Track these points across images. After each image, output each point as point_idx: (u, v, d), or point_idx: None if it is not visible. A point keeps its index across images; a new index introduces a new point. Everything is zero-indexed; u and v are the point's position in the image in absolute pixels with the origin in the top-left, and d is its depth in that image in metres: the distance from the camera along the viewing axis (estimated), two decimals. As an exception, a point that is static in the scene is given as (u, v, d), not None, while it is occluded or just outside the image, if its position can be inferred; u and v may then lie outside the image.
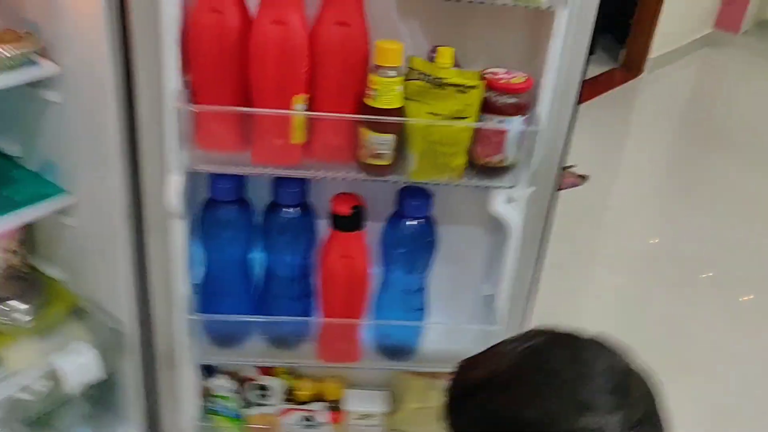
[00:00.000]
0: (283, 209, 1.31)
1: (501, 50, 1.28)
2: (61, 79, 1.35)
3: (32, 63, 1.31)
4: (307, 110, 1.20)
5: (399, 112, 1.17)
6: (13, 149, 1.56)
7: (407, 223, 1.32)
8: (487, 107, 1.20)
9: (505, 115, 1.19)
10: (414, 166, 1.22)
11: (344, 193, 1.31)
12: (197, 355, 1.46)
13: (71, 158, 1.44)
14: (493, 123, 1.20)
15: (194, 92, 1.20)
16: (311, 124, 1.21)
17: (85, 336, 1.50)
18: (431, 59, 1.20)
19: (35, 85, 1.37)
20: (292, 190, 1.30)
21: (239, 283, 1.40)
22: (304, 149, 1.24)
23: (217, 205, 1.30)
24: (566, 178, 2.89)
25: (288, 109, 1.18)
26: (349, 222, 1.29)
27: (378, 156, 1.20)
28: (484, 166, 1.24)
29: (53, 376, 1.43)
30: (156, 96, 1.21)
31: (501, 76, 1.20)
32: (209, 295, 1.40)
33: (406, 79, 1.18)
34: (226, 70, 1.18)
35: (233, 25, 1.15)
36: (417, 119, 1.18)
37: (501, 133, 1.20)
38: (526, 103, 1.21)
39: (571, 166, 3.23)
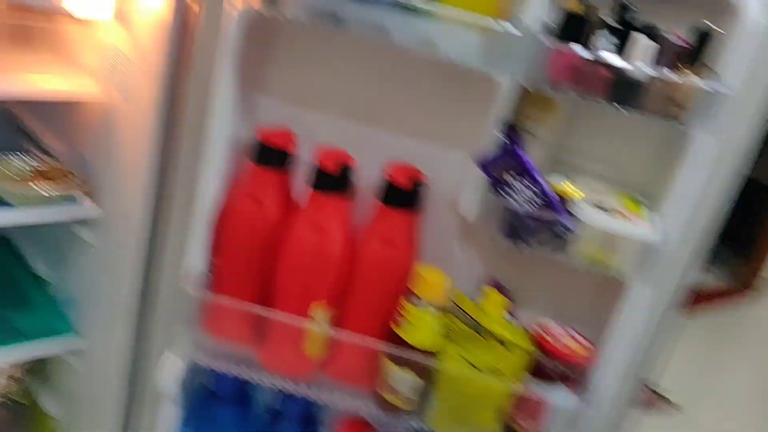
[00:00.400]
0: (286, 422, 1.15)
1: (566, 301, 1.10)
2: (99, 223, 1.29)
3: (73, 201, 1.25)
4: (330, 324, 1.05)
5: (429, 350, 1.01)
6: (46, 273, 1.50)
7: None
8: (534, 368, 1.01)
9: (551, 382, 1.00)
10: (436, 414, 1.04)
11: (353, 418, 1.13)
12: None
13: (90, 301, 1.36)
14: (534, 388, 1.01)
15: (216, 275, 1.09)
16: (331, 340, 1.06)
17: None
18: (481, 295, 1.05)
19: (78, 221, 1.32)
20: (298, 403, 1.14)
21: None
22: (319, 363, 1.08)
23: (215, 398, 1.16)
24: (646, 396, 2.55)
25: (308, 317, 1.04)
26: None
27: (396, 393, 1.03)
28: (518, 434, 1.04)
29: None
30: (178, 268, 1.11)
31: (556, 334, 1.02)
32: None
33: (446, 314, 1.02)
34: (252, 261, 1.07)
35: (270, 218, 1.04)
36: (447, 364, 1.01)
37: (542, 403, 1.01)
38: (580, 374, 1.02)
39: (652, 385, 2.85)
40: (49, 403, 1.51)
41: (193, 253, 1.08)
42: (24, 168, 1.24)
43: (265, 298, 1.08)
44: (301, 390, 1.08)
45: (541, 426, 1.02)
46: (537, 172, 0.91)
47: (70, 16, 1.09)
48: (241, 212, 1.05)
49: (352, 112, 1.06)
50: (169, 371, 1.13)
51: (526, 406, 1.02)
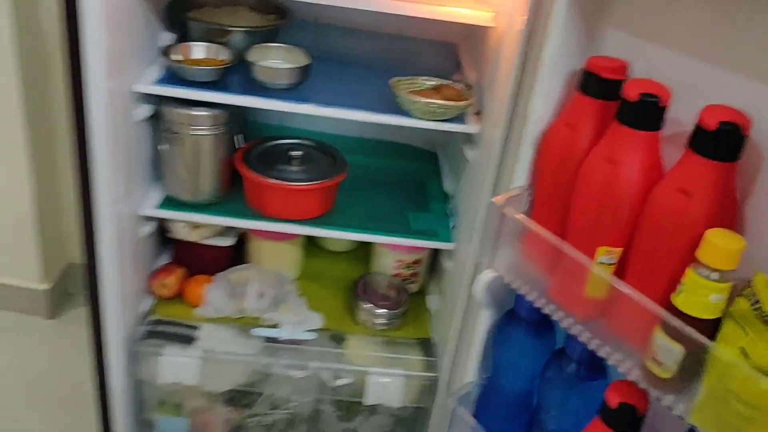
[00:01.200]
0: (566, 359, 1.13)
1: None
2: (478, 141, 1.44)
3: (461, 119, 1.43)
4: (611, 269, 0.99)
5: (703, 325, 0.86)
6: (449, 187, 1.73)
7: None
8: None
9: None
10: (697, 405, 0.88)
11: (624, 382, 1.03)
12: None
13: (463, 211, 1.53)
14: None
15: (532, 199, 1.13)
16: (610, 286, 1.00)
17: (406, 365, 1.60)
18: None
19: (465, 139, 1.50)
20: (581, 345, 1.10)
21: (511, 409, 1.27)
22: (600, 308, 1.03)
23: (515, 318, 1.20)
24: None
25: (591, 256, 1.00)
26: (616, 418, 1.02)
27: (658, 365, 0.91)
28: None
29: (361, 380, 1.58)
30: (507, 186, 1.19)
31: None
32: (483, 405, 1.32)
33: (738, 294, 0.86)
34: (559, 189, 1.06)
35: (580, 147, 1.02)
36: (721, 348, 0.85)
37: None
38: None
39: None
40: (429, 298, 1.77)
41: (518, 175, 1.14)
42: (429, 86, 1.45)
43: (564, 228, 1.07)
44: (576, 330, 1.05)
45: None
46: None
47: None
48: (555, 138, 1.05)
49: (692, 49, 0.95)
50: (484, 282, 1.22)
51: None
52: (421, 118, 1.39)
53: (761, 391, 0.79)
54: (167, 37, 1.50)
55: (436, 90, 1.44)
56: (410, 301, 1.71)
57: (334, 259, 1.85)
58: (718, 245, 0.83)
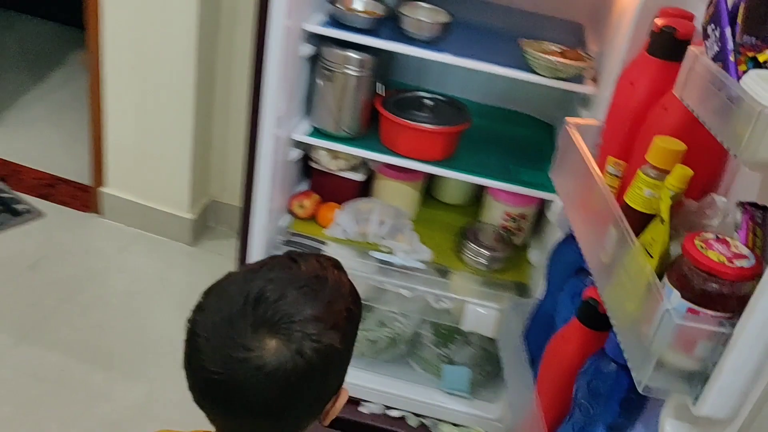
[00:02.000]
0: (583, 273, 1.26)
1: None
2: (594, 102, 1.61)
3: (580, 80, 1.61)
4: (620, 183, 1.11)
5: (638, 216, 0.97)
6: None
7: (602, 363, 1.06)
8: (676, 274, 0.83)
9: (685, 291, 0.81)
10: (611, 288, 1.00)
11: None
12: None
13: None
14: (658, 285, 0.84)
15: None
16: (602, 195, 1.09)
17: (502, 301, 1.77)
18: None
19: (581, 101, 1.67)
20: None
21: (545, 324, 1.41)
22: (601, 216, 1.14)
23: (569, 239, 1.34)
24: None
25: (603, 169, 1.14)
26: (584, 312, 1.14)
27: (603, 250, 1.03)
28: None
29: (459, 309, 1.77)
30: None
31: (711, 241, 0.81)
32: (530, 321, 1.47)
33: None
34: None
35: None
36: (641, 237, 0.95)
37: (653, 302, 0.84)
38: (731, 297, 0.80)
39: None
40: (531, 252, 1.94)
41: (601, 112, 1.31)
42: (551, 48, 1.65)
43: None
44: (578, 236, 1.17)
45: (646, 328, 0.85)
46: (727, 18, 0.76)
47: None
48: (624, 76, 1.17)
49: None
50: (556, 207, 1.39)
51: (650, 306, 0.86)
52: (543, 75, 1.58)
53: (637, 264, 0.91)
54: (331, -10, 1.76)
55: (560, 53, 1.62)
56: (513, 251, 1.88)
57: (446, 210, 2.05)
58: (657, 144, 0.94)
